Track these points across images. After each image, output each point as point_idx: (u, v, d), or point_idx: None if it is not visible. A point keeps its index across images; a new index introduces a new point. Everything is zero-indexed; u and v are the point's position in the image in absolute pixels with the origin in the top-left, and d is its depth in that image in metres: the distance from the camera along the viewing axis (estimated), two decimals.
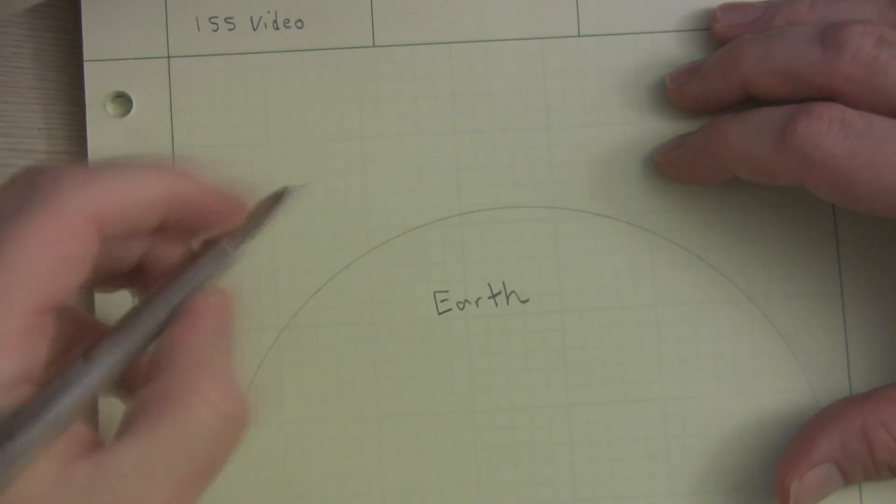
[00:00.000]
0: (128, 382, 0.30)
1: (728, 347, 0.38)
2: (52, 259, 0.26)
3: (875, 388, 0.36)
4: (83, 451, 0.27)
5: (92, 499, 0.26)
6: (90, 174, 0.28)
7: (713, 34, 0.39)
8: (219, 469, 0.29)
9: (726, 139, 0.35)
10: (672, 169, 0.38)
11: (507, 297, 0.39)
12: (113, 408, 0.30)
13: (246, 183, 0.30)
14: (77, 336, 0.29)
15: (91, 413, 0.29)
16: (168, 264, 0.31)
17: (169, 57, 0.39)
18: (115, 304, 0.31)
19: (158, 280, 0.30)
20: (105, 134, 0.38)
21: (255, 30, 0.39)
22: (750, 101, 0.37)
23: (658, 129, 0.39)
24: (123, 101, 0.39)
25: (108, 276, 0.30)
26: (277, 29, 0.39)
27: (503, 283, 0.39)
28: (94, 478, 0.26)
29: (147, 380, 0.28)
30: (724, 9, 0.38)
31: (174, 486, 0.27)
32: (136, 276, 0.31)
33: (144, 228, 0.29)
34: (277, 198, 0.31)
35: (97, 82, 0.39)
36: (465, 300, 0.38)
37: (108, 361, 0.27)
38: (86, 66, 0.39)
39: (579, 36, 0.39)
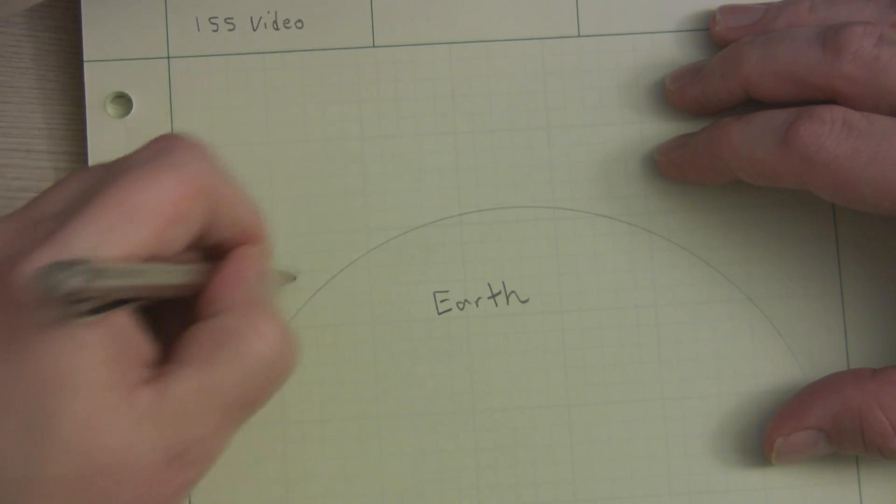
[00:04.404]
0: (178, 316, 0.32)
1: (728, 347, 0.38)
2: (169, 211, 0.29)
3: (884, 366, 0.36)
4: (146, 378, 0.29)
5: (151, 422, 0.28)
6: (213, 162, 0.31)
7: (713, 36, 0.39)
8: (264, 403, 0.31)
9: (729, 142, 0.35)
10: (673, 169, 0.38)
11: (507, 297, 0.39)
12: None
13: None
14: None
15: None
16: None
17: (169, 57, 0.39)
18: None
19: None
20: (105, 134, 0.38)
21: (255, 30, 0.39)
22: (750, 102, 0.37)
23: (658, 129, 0.39)
24: (123, 101, 0.39)
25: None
26: (277, 29, 0.39)
27: (503, 283, 0.39)
28: (154, 403, 0.28)
29: (203, 315, 0.31)
30: (724, 11, 0.38)
31: (224, 415, 0.30)
32: None
33: (200, 229, 0.31)
34: (285, 278, 0.38)
35: (97, 83, 0.39)
36: (465, 300, 0.38)
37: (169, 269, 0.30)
38: (86, 66, 0.39)
39: (579, 36, 0.39)
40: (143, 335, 0.29)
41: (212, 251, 0.32)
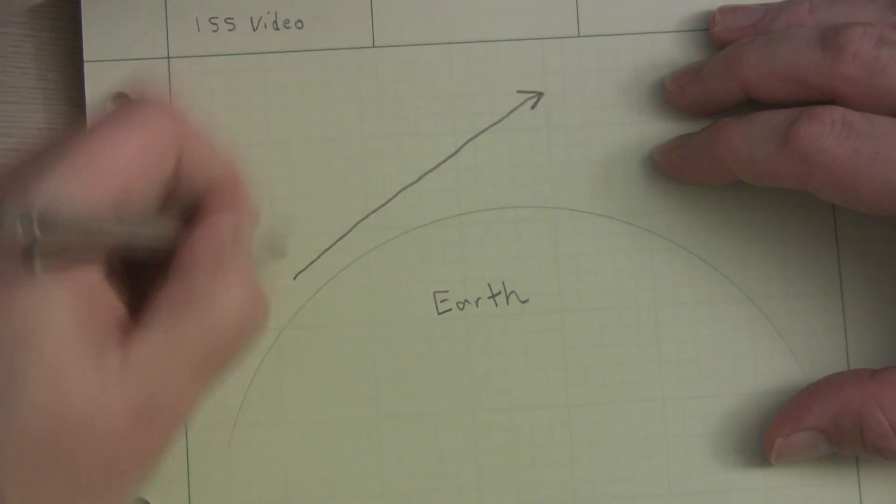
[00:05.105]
0: (148, 279, 0.32)
1: (728, 347, 0.38)
2: (133, 163, 0.29)
3: (884, 367, 0.36)
4: (115, 338, 0.29)
5: (118, 383, 0.28)
6: (182, 116, 0.31)
7: (712, 37, 0.39)
8: (231, 363, 0.31)
9: (729, 142, 0.35)
10: (673, 169, 0.38)
11: (507, 297, 0.39)
12: None
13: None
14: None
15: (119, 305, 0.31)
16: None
17: (169, 57, 0.39)
18: None
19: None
20: None
21: (255, 30, 0.39)
22: (750, 102, 0.37)
23: (658, 129, 0.39)
24: (123, 101, 0.39)
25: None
26: (277, 29, 0.39)
27: (503, 283, 0.39)
28: (122, 364, 0.29)
29: (172, 277, 0.30)
30: (724, 12, 0.38)
31: (192, 375, 0.30)
32: None
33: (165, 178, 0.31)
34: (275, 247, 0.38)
35: (97, 83, 0.39)
36: (465, 300, 0.39)
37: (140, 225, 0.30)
38: (86, 66, 0.39)
39: (579, 36, 0.39)
40: (114, 295, 0.30)
41: (190, 211, 0.32)
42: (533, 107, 0.39)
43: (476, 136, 0.39)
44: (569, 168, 0.39)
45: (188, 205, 0.32)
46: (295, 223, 0.38)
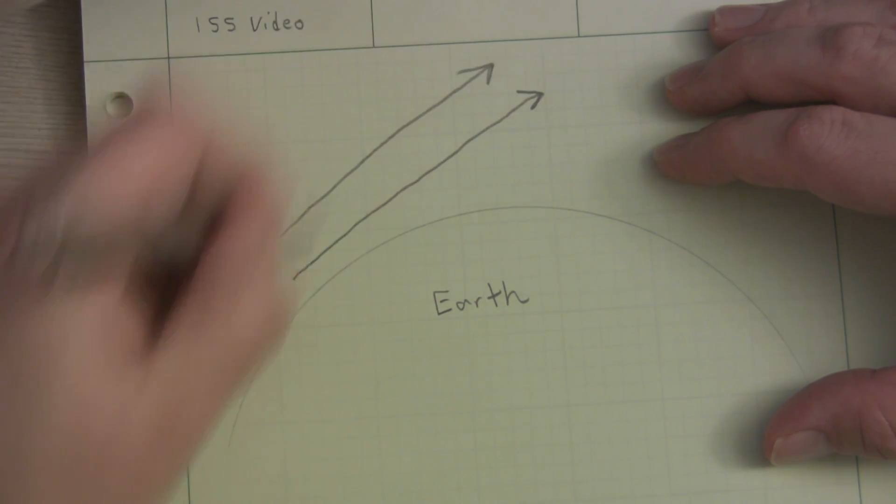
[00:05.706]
0: (173, 285, 0.32)
1: (728, 347, 0.38)
2: (161, 170, 0.29)
3: (883, 367, 0.36)
4: (136, 353, 0.29)
5: (140, 399, 0.28)
6: (199, 120, 0.31)
7: (712, 37, 0.39)
8: (250, 376, 0.32)
9: (729, 142, 0.35)
10: (672, 169, 0.38)
11: (507, 297, 0.39)
12: None
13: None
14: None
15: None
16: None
17: (169, 58, 0.39)
18: None
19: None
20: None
21: (254, 30, 0.39)
22: (750, 102, 0.37)
23: (658, 129, 0.39)
24: (124, 101, 0.39)
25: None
26: (277, 29, 0.39)
27: (503, 283, 0.39)
28: (145, 380, 0.29)
29: (193, 290, 0.30)
30: (723, 12, 0.38)
31: (213, 389, 0.30)
32: None
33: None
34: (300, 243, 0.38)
35: (97, 83, 0.39)
36: (465, 300, 0.39)
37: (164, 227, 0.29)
38: (86, 66, 0.39)
39: (579, 36, 0.39)
40: (135, 311, 0.30)
41: (213, 219, 0.32)
42: (533, 107, 0.39)
43: (476, 136, 0.39)
44: (569, 168, 0.39)
45: (211, 212, 0.32)
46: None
